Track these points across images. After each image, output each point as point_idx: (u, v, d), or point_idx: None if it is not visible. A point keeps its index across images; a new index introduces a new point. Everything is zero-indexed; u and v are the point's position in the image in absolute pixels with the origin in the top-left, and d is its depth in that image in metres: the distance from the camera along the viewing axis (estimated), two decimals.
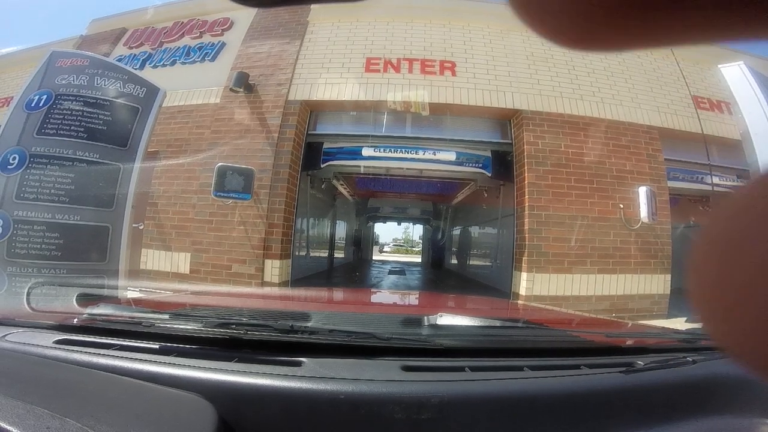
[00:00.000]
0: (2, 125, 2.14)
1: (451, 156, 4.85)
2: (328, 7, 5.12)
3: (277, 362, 0.64)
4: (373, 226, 11.88)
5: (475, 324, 0.82)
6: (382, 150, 4.77)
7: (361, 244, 10.88)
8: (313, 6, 4.98)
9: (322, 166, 4.89)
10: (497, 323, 0.86)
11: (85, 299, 0.88)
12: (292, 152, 4.38)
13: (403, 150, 4.79)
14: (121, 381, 0.57)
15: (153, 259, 4.32)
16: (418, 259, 14.14)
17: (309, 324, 0.76)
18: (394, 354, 0.69)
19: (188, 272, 4.08)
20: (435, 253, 10.48)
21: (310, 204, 5.45)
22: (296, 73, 4.68)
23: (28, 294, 0.82)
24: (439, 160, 4.86)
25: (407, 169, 5.14)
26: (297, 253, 4.85)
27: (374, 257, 13.80)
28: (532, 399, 0.60)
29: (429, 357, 0.70)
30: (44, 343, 0.68)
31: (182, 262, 4.17)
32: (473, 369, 0.65)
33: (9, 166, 2.03)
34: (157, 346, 0.69)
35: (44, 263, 1.99)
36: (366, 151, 4.75)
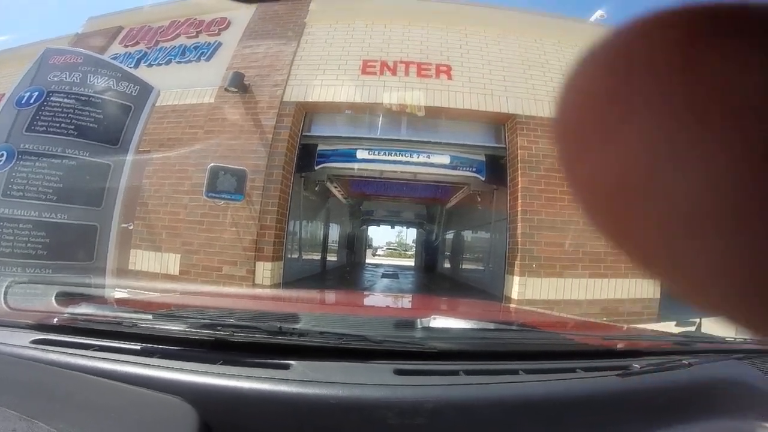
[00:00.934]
0: None
1: (445, 159, 4.87)
2: (325, 6, 5.12)
3: (264, 365, 0.63)
4: (367, 229, 11.86)
5: (469, 327, 0.81)
6: (376, 152, 4.78)
7: (355, 247, 10.84)
8: (311, 6, 5.02)
9: (316, 168, 4.88)
10: (491, 326, 0.85)
11: (66, 298, 0.85)
12: (286, 153, 4.35)
13: (398, 153, 4.79)
14: (99, 382, 0.55)
15: (142, 259, 4.24)
16: (411, 262, 14.13)
17: (298, 326, 0.74)
18: (387, 357, 0.68)
19: (178, 273, 4.02)
20: (428, 257, 10.47)
21: (304, 206, 5.42)
22: (292, 74, 4.65)
23: (5, 292, 0.79)
24: (433, 163, 4.88)
25: (401, 172, 5.15)
26: (289, 256, 4.81)
27: (367, 260, 13.76)
28: (527, 403, 0.59)
29: (422, 360, 0.69)
30: (20, 342, 0.66)
31: (172, 263, 4.11)
32: (468, 372, 0.64)
33: None
34: (139, 347, 0.66)
35: (30, 262, 1.94)
36: (360, 154, 4.75)
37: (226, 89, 4.42)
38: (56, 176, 2.03)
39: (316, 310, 1.30)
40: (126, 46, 5.48)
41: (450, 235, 9.01)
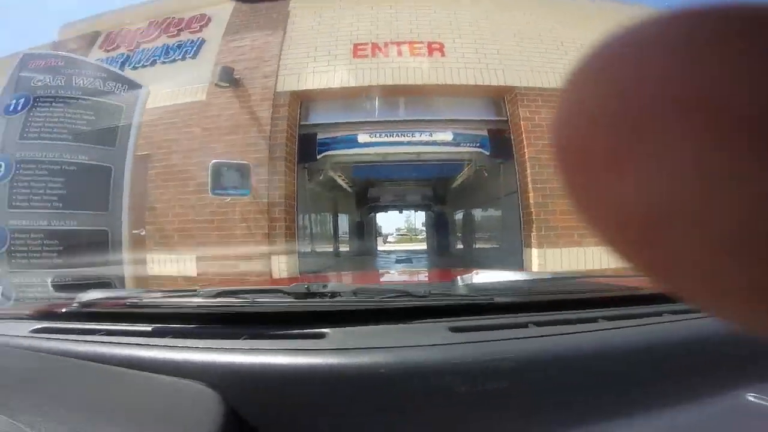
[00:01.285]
0: None
1: (448, 136, 4.79)
2: None
3: (293, 336, 0.54)
4: (375, 216, 11.74)
5: (524, 278, 0.73)
6: (377, 135, 4.70)
7: (365, 235, 10.77)
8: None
9: (318, 157, 4.79)
10: (548, 276, 0.77)
11: (70, 287, 0.79)
12: (287, 144, 4.29)
13: (399, 134, 4.71)
14: (105, 369, 0.48)
15: (159, 264, 4.19)
16: (423, 246, 13.99)
17: (327, 288, 0.65)
18: (435, 315, 0.59)
19: (196, 275, 3.98)
20: (440, 239, 10.34)
21: (310, 198, 5.36)
22: (282, 63, 4.57)
23: (5, 286, 0.73)
24: (435, 141, 4.81)
25: (404, 153, 5.07)
26: (302, 250, 4.77)
27: (379, 248, 13.68)
28: (613, 352, 0.51)
29: (478, 315, 0.59)
30: (19, 332, 0.60)
31: (189, 264, 4.06)
32: (539, 324, 0.56)
33: None
34: (150, 329, 0.58)
35: (48, 272, 1.87)
36: (362, 138, 4.67)
37: (216, 84, 4.33)
38: (58, 183, 1.98)
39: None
40: (107, 51, 5.34)
41: (460, 215, 8.90)
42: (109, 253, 2.01)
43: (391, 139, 4.67)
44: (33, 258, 1.88)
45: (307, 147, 4.65)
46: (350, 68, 4.51)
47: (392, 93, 4.61)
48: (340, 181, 7.02)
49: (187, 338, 0.55)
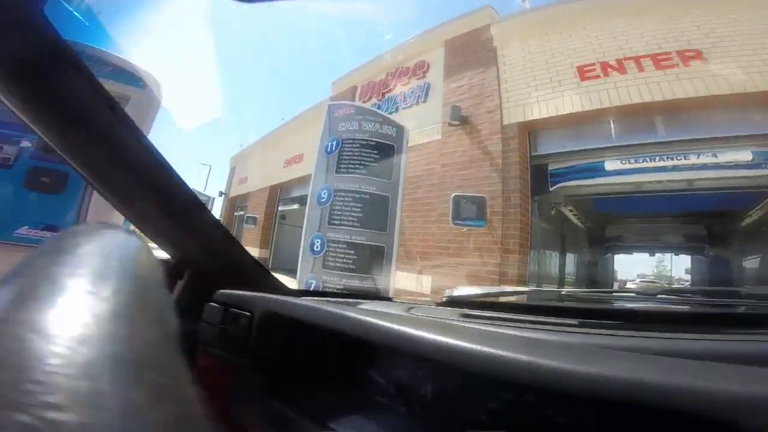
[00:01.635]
0: (314, 168, 2.90)
1: (745, 156, 3.59)
2: (506, 27, 5.02)
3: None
4: (612, 257, 9.87)
5: None
6: (632, 161, 4.00)
7: (597, 278, 9.19)
8: (493, 31, 4.97)
9: (551, 189, 4.48)
10: None
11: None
12: (520, 176, 4.26)
13: (663, 157, 3.88)
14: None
15: (403, 279, 4.78)
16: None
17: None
18: None
19: (429, 293, 4.38)
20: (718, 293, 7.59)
21: (541, 232, 5.05)
22: (503, 97, 4.67)
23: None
24: (721, 164, 3.68)
25: (669, 180, 4.10)
26: (530, 285, 4.49)
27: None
28: None
29: None
30: (452, 316, 0.72)
31: (425, 283, 4.53)
32: None
33: (322, 200, 2.73)
34: (576, 322, 0.60)
35: (345, 274, 2.52)
36: (611, 165, 4.09)
37: (450, 124, 4.76)
38: (357, 207, 2.62)
39: None
40: (364, 102, 6.57)
41: (754, 262, 6.34)
42: (383, 266, 2.50)
43: (651, 164, 3.91)
44: (337, 262, 2.56)
45: (537, 179, 4.46)
46: (579, 92, 4.19)
47: (642, 112, 3.95)
48: (571, 215, 6.34)
49: (615, 329, 0.54)
